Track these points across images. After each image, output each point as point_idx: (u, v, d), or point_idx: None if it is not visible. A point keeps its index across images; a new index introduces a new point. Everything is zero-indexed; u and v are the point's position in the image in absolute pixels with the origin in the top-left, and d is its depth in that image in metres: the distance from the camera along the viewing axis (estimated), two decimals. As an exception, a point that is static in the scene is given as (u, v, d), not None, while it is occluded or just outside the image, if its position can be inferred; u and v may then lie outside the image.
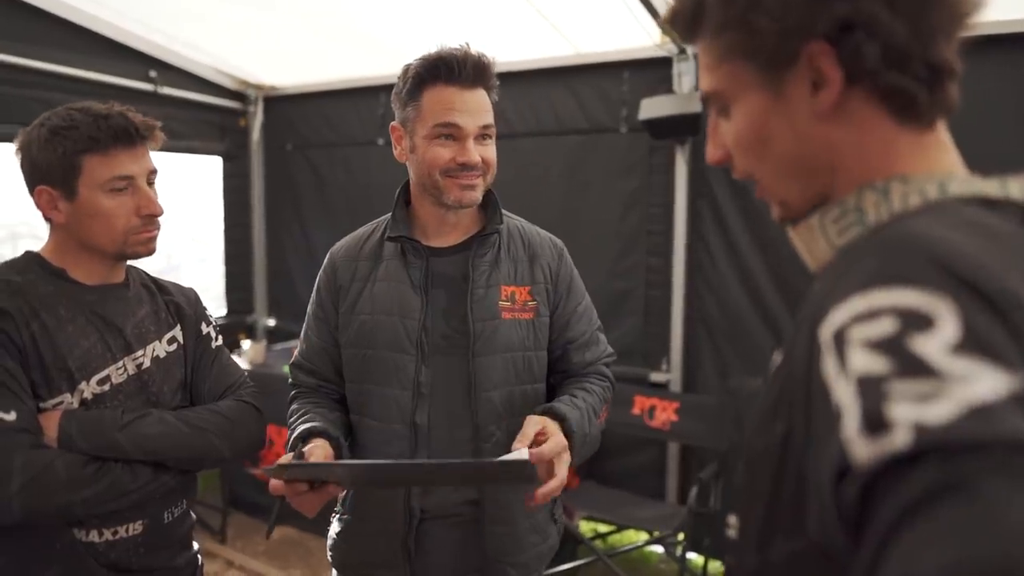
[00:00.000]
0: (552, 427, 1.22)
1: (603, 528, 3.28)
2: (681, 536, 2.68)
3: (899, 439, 0.41)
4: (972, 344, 0.43)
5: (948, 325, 0.44)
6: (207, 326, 1.44)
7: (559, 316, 1.43)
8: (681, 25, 0.70)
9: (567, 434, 1.23)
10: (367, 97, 3.70)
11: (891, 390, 0.43)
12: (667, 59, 2.88)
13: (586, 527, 3.27)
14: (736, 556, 0.66)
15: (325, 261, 1.48)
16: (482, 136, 1.33)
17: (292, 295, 4.08)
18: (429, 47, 1.34)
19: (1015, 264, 0.49)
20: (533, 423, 1.20)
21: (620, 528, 3.14)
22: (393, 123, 1.39)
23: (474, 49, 1.32)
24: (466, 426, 1.34)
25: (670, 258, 3.03)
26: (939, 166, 0.62)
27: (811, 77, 0.61)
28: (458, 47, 1.31)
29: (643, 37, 2.79)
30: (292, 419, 1.37)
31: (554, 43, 2.99)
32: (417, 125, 1.32)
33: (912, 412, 0.42)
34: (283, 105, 4.05)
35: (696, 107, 2.72)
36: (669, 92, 2.87)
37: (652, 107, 2.79)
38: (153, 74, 3.46)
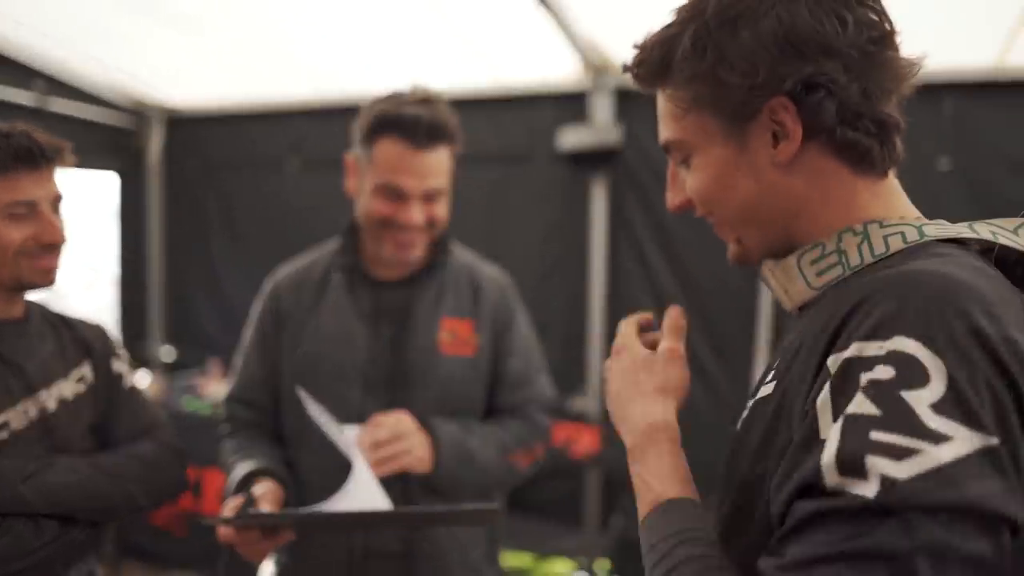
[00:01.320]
0: (402, 417, 1.23)
1: (526, 559, 3.24)
2: (607, 565, 2.69)
3: (868, 488, 0.47)
4: (953, 405, 0.48)
5: (938, 383, 0.48)
6: (119, 363, 1.32)
7: (495, 351, 1.41)
8: (646, 72, 0.72)
9: (435, 440, 1.24)
10: (279, 120, 3.56)
11: (872, 437, 0.48)
12: (585, 92, 2.94)
13: (509, 559, 3.22)
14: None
15: (267, 289, 1.42)
16: (429, 197, 1.29)
17: (195, 323, 3.83)
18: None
19: (1008, 302, 0.54)
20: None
21: (543, 558, 3.12)
22: (349, 155, 1.34)
23: (435, 106, 1.28)
24: None
25: (588, 288, 3.07)
26: (896, 211, 0.67)
27: (772, 129, 0.65)
28: (421, 102, 1.27)
29: (563, 69, 2.85)
30: (230, 457, 1.30)
31: (475, 71, 3.00)
32: (367, 171, 1.30)
33: (884, 465, 0.47)
34: (186, 125, 3.84)
35: (613, 139, 2.80)
36: (587, 124, 2.94)
37: (571, 138, 2.84)
38: (39, 87, 3.20)
